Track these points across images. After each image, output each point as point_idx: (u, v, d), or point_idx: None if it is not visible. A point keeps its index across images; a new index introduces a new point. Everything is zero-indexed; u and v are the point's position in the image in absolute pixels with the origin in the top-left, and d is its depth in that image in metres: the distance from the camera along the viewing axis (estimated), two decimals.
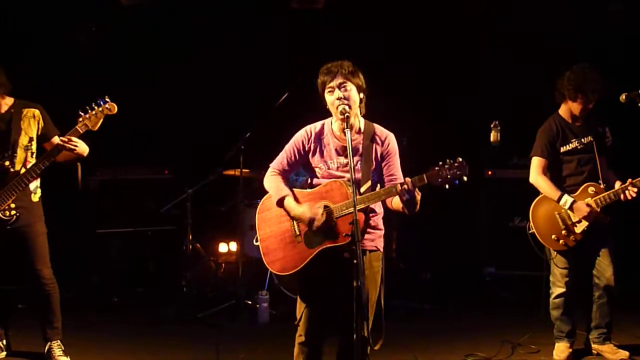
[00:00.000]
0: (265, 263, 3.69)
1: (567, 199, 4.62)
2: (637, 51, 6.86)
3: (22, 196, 4.43)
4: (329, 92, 3.55)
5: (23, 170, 4.41)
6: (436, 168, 3.29)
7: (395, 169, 3.63)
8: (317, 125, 3.73)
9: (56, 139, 4.40)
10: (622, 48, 6.90)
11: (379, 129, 3.69)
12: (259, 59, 7.32)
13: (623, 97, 4.29)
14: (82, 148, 4.44)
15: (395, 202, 3.51)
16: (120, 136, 6.51)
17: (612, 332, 4.81)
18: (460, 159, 3.28)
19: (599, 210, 4.57)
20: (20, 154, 4.45)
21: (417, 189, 3.31)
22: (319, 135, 3.69)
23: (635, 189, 4.45)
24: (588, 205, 4.56)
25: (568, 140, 4.77)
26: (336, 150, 3.64)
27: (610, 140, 4.82)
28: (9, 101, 4.54)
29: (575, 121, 4.79)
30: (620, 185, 4.61)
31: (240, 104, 6.84)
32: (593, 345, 4.85)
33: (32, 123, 4.54)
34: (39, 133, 4.55)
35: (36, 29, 6.59)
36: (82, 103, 4.31)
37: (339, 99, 3.48)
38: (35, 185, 4.55)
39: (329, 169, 3.64)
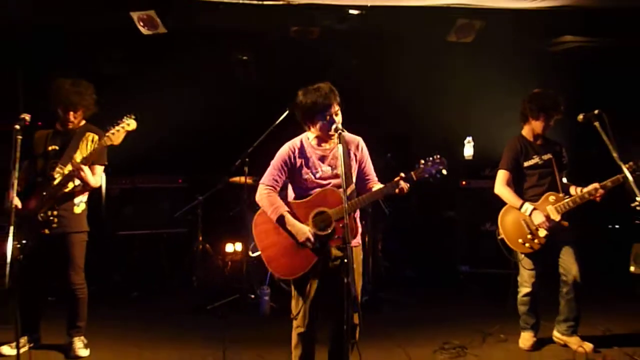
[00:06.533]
0: (271, 270, 3.65)
1: (527, 207, 4.65)
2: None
3: (65, 206, 4.42)
4: (326, 115, 3.53)
5: (71, 184, 4.41)
6: (420, 166, 3.38)
7: (371, 169, 3.71)
8: (296, 141, 3.73)
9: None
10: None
11: (349, 136, 3.69)
12: (261, 82, 7.35)
13: (580, 117, 4.33)
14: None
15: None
16: (140, 149, 6.51)
17: (579, 325, 4.80)
18: (439, 156, 3.43)
19: (559, 216, 4.60)
20: (68, 168, 4.39)
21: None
22: (301, 149, 3.69)
23: (604, 191, 4.48)
24: (546, 214, 4.59)
25: (530, 157, 4.80)
26: (319, 159, 3.65)
27: (565, 158, 4.86)
28: (81, 122, 4.55)
29: (536, 140, 4.83)
30: (575, 189, 4.66)
31: (245, 121, 6.84)
32: (562, 337, 4.83)
33: (89, 145, 4.51)
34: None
35: (68, 54, 6.62)
36: (107, 119, 4.34)
37: (334, 122, 3.51)
38: (80, 199, 4.52)
39: (315, 178, 3.63)
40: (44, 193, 4.33)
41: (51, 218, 4.30)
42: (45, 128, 4.52)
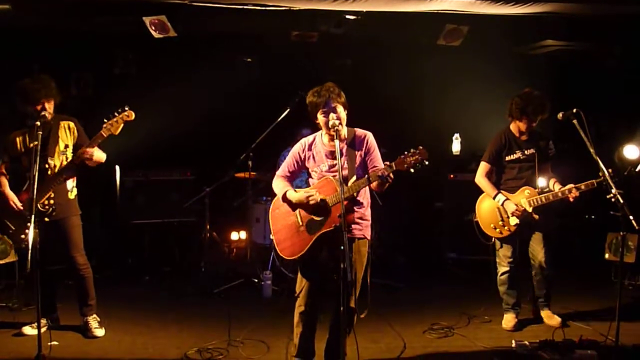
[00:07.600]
0: (279, 251, 3.76)
1: (500, 198, 4.70)
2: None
3: (60, 193, 4.41)
4: (323, 114, 3.58)
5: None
6: (401, 157, 3.33)
7: (376, 160, 3.65)
8: (310, 138, 3.82)
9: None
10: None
11: (358, 131, 3.74)
12: (264, 82, 7.33)
13: (560, 115, 4.31)
14: (98, 156, 4.39)
15: (373, 184, 3.54)
16: (152, 144, 6.52)
17: (550, 301, 4.91)
18: (421, 147, 3.29)
19: (531, 209, 4.61)
20: (57, 158, 4.41)
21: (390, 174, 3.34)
22: (311, 145, 3.79)
23: (577, 193, 4.47)
24: (516, 205, 4.62)
25: (513, 151, 4.81)
26: (326, 155, 3.71)
27: (552, 151, 4.85)
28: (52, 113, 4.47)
29: (521, 136, 4.82)
30: (554, 184, 4.66)
31: (249, 119, 6.83)
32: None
33: (67, 133, 4.49)
34: (75, 143, 4.49)
35: (84, 55, 6.61)
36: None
37: (331, 119, 3.51)
38: (71, 185, 4.52)
39: (322, 171, 3.71)
40: (42, 184, 4.27)
41: (50, 206, 4.31)
42: (17, 129, 4.42)
